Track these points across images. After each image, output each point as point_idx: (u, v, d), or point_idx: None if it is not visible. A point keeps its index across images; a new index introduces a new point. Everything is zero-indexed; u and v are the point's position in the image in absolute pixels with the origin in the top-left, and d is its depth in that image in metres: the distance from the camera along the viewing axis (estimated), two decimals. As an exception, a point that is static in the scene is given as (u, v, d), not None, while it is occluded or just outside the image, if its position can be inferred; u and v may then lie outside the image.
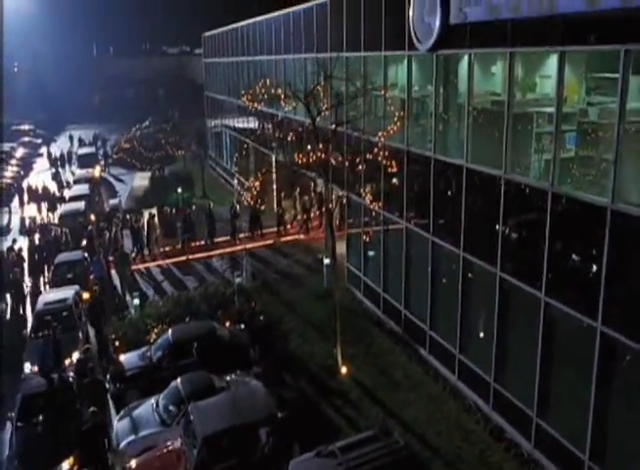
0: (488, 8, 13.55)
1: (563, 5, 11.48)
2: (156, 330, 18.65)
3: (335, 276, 17.91)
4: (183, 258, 27.29)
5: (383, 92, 18.71)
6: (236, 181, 35.68)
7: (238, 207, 29.87)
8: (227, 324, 19.23)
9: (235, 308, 20.06)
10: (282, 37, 28.65)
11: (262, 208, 24.66)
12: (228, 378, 15.69)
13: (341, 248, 23.53)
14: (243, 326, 18.86)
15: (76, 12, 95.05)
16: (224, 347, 17.18)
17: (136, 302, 20.11)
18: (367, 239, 20.82)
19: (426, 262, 17.29)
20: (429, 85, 17.08)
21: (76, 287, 21.01)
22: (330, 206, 17.27)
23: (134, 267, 26.20)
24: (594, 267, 11.32)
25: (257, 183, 17.58)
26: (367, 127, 20.04)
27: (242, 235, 29.52)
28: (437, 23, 15.46)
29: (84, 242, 27.13)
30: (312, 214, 29.83)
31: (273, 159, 30.20)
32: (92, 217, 30.34)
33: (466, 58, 14.94)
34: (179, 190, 33.54)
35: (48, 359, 17.00)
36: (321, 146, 16.38)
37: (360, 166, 19.62)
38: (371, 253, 21.29)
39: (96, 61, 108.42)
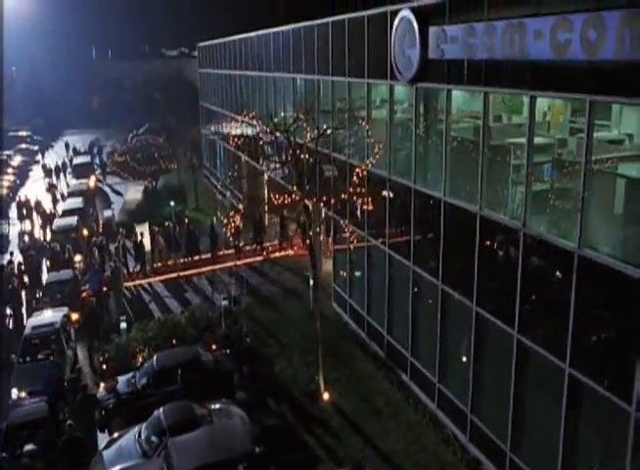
0: (464, 47, 13.78)
1: (533, 52, 11.73)
2: (143, 354, 18.88)
3: (317, 302, 18.15)
4: (175, 274, 27.49)
5: (365, 121, 18.90)
6: (228, 194, 35.88)
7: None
8: (214, 346, 19.50)
9: (221, 332, 20.27)
10: (272, 55, 28.83)
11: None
12: (212, 406, 15.90)
13: (329, 265, 23.82)
14: (227, 351, 19.06)
15: (75, 14, 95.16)
16: (208, 373, 17.41)
17: (123, 325, 20.33)
18: (351, 261, 21.06)
19: (407, 290, 17.52)
20: (409, 115, 17.33)
21: (65, 309, 21.21)
22: (311, 232, 17.45)
23: (136, 283, 26.49)
24: (562, 310, 11.54)
25: (237, 217, 17.75)
26: (352, 153, 20.30)
27: (225, 252, 29.43)
28: (417, 56, 15.71)
29: (77, 258, 27.35)
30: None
31: (265, 176, 30.35)
32: (84, 232, 30.52)
33: (444, 92, 15.14)
34: (172, 203, 33.73)
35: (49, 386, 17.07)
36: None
37: (345, 191, 19.85)
38: (356, 274, 21.52)
39: (95, 63, 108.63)
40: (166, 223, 30.57)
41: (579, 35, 10.49)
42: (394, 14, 16.78)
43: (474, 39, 13.36)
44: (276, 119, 17.71)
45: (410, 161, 16.94)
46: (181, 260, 28.43)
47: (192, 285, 26.88)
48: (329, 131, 18.85)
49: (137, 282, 27.17)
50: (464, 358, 15.11)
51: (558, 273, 11.81)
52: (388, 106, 18.14)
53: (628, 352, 10.11)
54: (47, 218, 33.61)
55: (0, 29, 58.75)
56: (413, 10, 15.88)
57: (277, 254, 29.24)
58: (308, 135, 18.07)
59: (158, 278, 27.35)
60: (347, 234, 20.42)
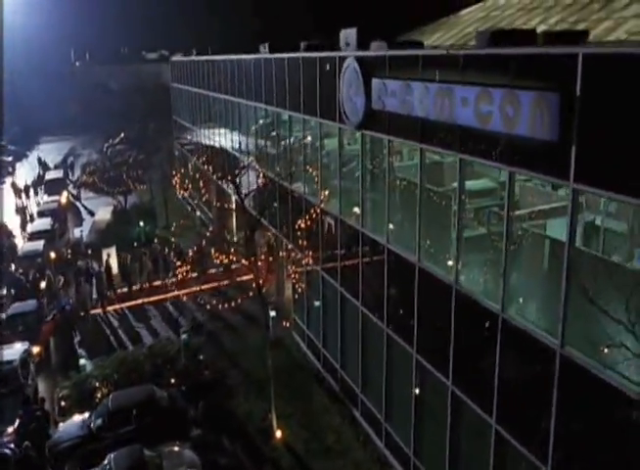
0: (403, 102, 14.16)
1: (461, 118, 12.14)
2: (102, 391, 19.14)
3: (272, 332, 18.50)
4: (140, 301, 27.71)
5: (318, 161, 19.30)
6: (198, 213, 36.12)
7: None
8: (173, 381, 19.82)
9: (180, 366, 20.54)
10: (237, 80, 29.08)
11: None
12: (164, 449, 16.24)
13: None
14: (184, 387, 19.37)
15: (52, 17, 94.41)
16: (162, 412, 17.73)
17: (82, 361, 20.56)
18: (308, 292, 21.45)
19: (357, 328, 17.93)
20: (356, 158, 17.69)
21: (26, 344, 21.39)
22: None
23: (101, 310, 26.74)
24: (488, 368, 11.99)
25: (195, 253, 18.09)
26: (307, 190, 20.69)
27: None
28: (362, 104, 16.10)
29: (43, 285, 27.44)
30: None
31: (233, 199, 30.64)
32: (52, 255, 30.52)
33: (387, 142, 15.54)
34: (141, 224, 33.91)
35: None
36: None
37: (302, 224, 20.29)
38: (312, 305, 21.90)
39: (73, 68, 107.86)
40: (143, 251, 30.70)
41: (499, 108, 10.91)
42: (343, 60, 17.14)
43: (410, 97, 13.74)
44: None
45: (358, 203, 17.34)
46: (146, 285, 28.63)
47: (160, 310, 27.07)
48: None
49: (102, 309, 27.29)
50: (406, 401, 15.54)
51: (485, 332, 12.25)
52: (338, 147, 18.52)
53: (544, 414, 10.58)
54: (12, 244, 33.54)
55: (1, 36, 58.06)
56: (358, 59, 16.28)
57: (243, 277, 29.44)
58: (261, 176, 18.43)
59: (122, 305, 27.53)
60: (304, 264, 20.83)
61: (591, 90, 9.25)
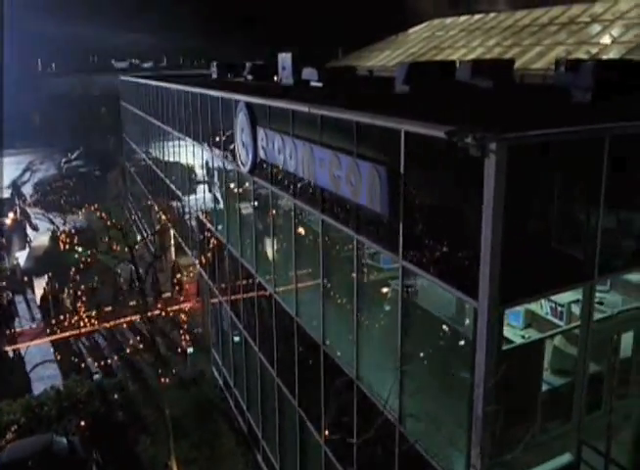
0: (279, 155, 14.02)
1: (319, 179, 12.03)
2: (4, 440, 18.78)
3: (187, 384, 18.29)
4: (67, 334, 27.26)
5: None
6: (139, 237, 35.76)
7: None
8: (82, 424, 19.50)
9: (92, 409, 20.17)
10: (168, 110, 28.74)
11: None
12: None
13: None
14: (88, 433, 19.06)
15: (17, 24, 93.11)
16: (60, 463, 17.40)
17: (-13, 406, 20.15)
18: (222, 330, 21.27)
19: (257, 372, 17.76)
20: (249, 203, 17.52)
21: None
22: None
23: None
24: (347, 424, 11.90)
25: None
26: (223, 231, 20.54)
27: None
28: (251, 151, 15.95)
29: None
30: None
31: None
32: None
33: (270, 192, 15.40)
34: (79, 249, 33.41)
35: None
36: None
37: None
38: (226, 342, 21.69)
39: (39, 77, 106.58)
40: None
41: (346, 175, 10.79)
42: (238, 102, 16.96)
43: (284, 151, 13.61)
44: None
45: (252, 250, 17.20)
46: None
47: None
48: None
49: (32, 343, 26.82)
50: (294, 452, 15.38)
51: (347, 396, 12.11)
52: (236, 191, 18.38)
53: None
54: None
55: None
56: (247, 105, 16.09)
57: (174, 307, 29.19)
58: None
59: (50, 338, 27.10)
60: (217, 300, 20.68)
61: (412, 167, 9.15)
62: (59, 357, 25.14)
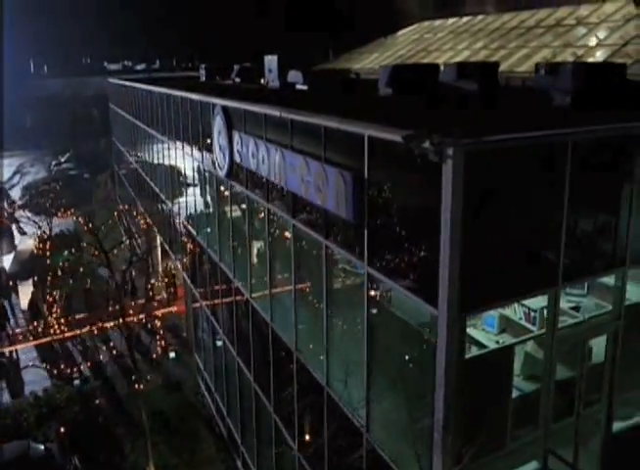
0: (253, 159, 13.89)
1: (290, 184, 11.93)
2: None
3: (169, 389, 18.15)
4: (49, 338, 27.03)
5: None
6: (127, 242, 35.56)
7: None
8: (62, 430, 19.32)
9: (71, 415, 19.99)
10: (149, 112, 28.64)
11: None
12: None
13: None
14: (67, 440, 18.90)
15: (10, 27, 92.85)
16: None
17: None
18: (202, 334, 21.13)
19: (235, 379, 17.64)
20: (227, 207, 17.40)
21: None
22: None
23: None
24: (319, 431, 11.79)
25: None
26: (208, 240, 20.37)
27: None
28: (228, 154, 15.83)
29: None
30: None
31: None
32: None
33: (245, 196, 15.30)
34: (65, 253, 33.25)
35: None
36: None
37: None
38: (207, 347, 21.56)
39: (32, 80, 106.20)
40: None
41: (314, 181, 10.68)
42: (215, 106, 16.84)
43: (257, 155, 13.50)
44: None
45: (230, 255, 17.08)
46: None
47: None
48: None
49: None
50: (272, 465, 15.25)
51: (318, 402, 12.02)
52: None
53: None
54: None
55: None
56: (224, 109, 15.97)
57: (162, 310, 29.05)
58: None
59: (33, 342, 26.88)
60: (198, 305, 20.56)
61: (377, 173, 9.05)
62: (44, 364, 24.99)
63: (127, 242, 35.78)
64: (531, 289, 8.66)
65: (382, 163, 9.04)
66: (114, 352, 23.86)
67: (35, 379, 23.98)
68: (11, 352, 26.10)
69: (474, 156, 7.45)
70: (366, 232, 9.31)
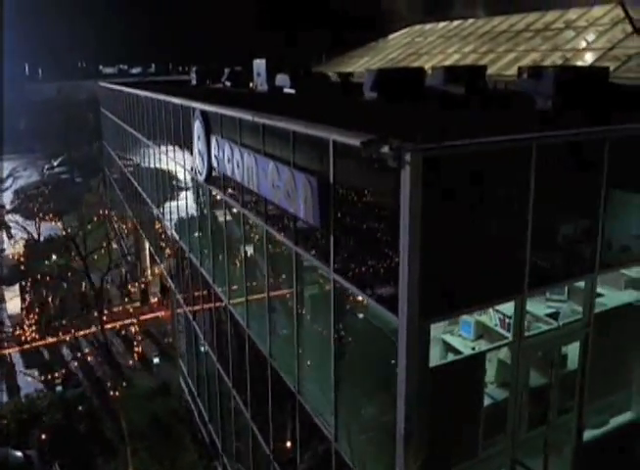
0: (229, 164, 13.80)
1: (262, 191, 11.81)
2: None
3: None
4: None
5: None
6: (116, 247, 35.52)
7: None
8: (43, 437, 19.16)
9: (53, 421, 19.80)
10: (137, 116, 28.51)
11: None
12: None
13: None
14: (47, 447, 18.73)
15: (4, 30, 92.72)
16: (15, 477, 17.11)
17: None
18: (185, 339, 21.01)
19: (215, 386, 17.51)
20: (206, 211, 17.28)
21: None
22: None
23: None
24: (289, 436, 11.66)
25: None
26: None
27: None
28: (206, 158, 15.72)
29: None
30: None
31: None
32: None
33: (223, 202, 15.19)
34: (54, 257, 33.13)
35: None
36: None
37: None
38: (189, 352, 21.41)
39: (26, 83, 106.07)
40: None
41: (284, 186, 10.56)
42: (194, 110, 16.72)
43: (232, 160, 13.39)
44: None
45: (210, 260, 16.95)
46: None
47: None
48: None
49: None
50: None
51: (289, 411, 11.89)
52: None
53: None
54: None
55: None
56: (202, 113, 15.85)
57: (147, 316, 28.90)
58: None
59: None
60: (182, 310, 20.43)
61: (342, 178, 8.93)
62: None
63: (114, 246, 35.74)
64: (497, 296, 8.53)
65: (347, 167, 8.92)
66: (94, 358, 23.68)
67: (21, 384, 23.86)
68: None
69: (434, 161, 7.33)
70: (332, 238, 9.19)
